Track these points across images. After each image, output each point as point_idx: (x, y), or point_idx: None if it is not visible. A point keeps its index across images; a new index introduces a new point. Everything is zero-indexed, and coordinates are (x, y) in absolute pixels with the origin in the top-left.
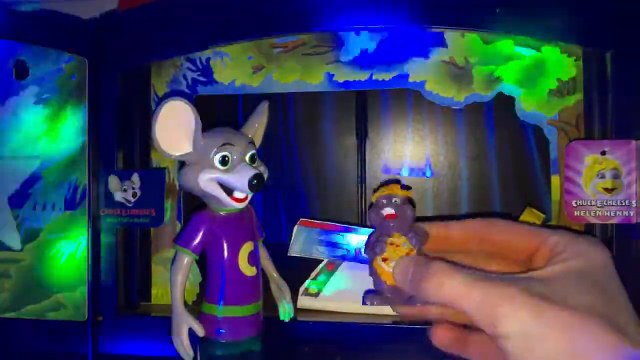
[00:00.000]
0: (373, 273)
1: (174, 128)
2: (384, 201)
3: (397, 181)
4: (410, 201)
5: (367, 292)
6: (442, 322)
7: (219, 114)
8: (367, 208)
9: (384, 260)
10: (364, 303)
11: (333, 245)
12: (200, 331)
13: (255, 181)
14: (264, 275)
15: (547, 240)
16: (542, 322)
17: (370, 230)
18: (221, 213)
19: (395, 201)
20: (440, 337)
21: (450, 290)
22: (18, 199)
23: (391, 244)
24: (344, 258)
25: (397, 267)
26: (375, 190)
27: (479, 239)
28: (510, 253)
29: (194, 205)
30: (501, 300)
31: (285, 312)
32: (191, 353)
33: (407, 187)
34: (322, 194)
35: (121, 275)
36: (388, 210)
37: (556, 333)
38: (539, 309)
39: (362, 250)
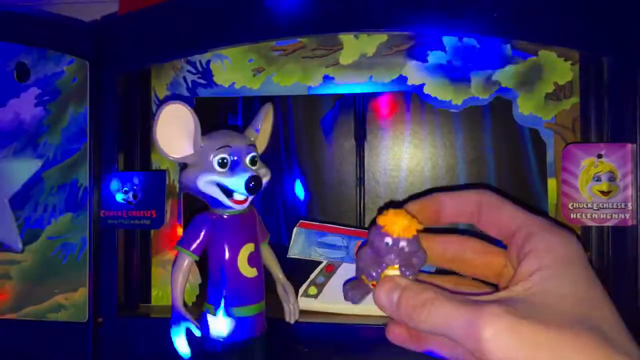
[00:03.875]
0: (358, 283)
1: (175, 130)
2: (390, 243)
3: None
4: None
5: (345, 283)
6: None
7: (219, 116)
8: (369, 226)
9: (373, 285)
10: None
11: (332, 247)
12: (197, 332)
13: (252, 183)
14: (269, 276)
15: (520, 230)
16: (528, 344)
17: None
18: (222, 215)
19: (403, 248)
20: (395, 334)
21: (437, 320)
22: (19, 201)
23: (385, 276)
24: (343, 260)
25: (380, 290)
26: (379, 212)
27: (470, 214)
28: (496, 230)
29: (195, 207)
30: (484, 323)
31: (290, 313)
32: (189, 353)
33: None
34: (321, 196)
35: (121, 277)
36: (391, 255)
37: (544, 354)
38: (525, 330)
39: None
